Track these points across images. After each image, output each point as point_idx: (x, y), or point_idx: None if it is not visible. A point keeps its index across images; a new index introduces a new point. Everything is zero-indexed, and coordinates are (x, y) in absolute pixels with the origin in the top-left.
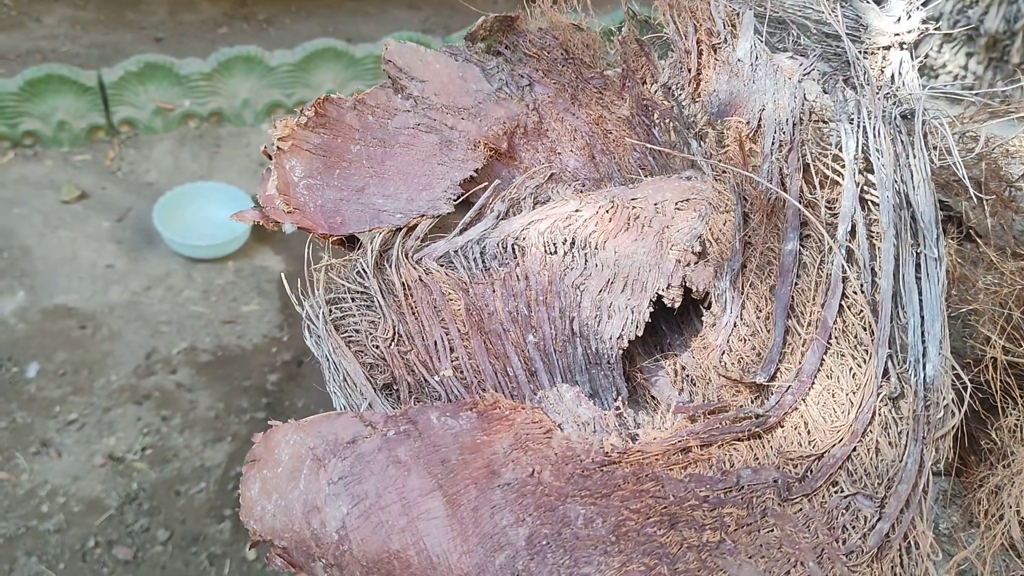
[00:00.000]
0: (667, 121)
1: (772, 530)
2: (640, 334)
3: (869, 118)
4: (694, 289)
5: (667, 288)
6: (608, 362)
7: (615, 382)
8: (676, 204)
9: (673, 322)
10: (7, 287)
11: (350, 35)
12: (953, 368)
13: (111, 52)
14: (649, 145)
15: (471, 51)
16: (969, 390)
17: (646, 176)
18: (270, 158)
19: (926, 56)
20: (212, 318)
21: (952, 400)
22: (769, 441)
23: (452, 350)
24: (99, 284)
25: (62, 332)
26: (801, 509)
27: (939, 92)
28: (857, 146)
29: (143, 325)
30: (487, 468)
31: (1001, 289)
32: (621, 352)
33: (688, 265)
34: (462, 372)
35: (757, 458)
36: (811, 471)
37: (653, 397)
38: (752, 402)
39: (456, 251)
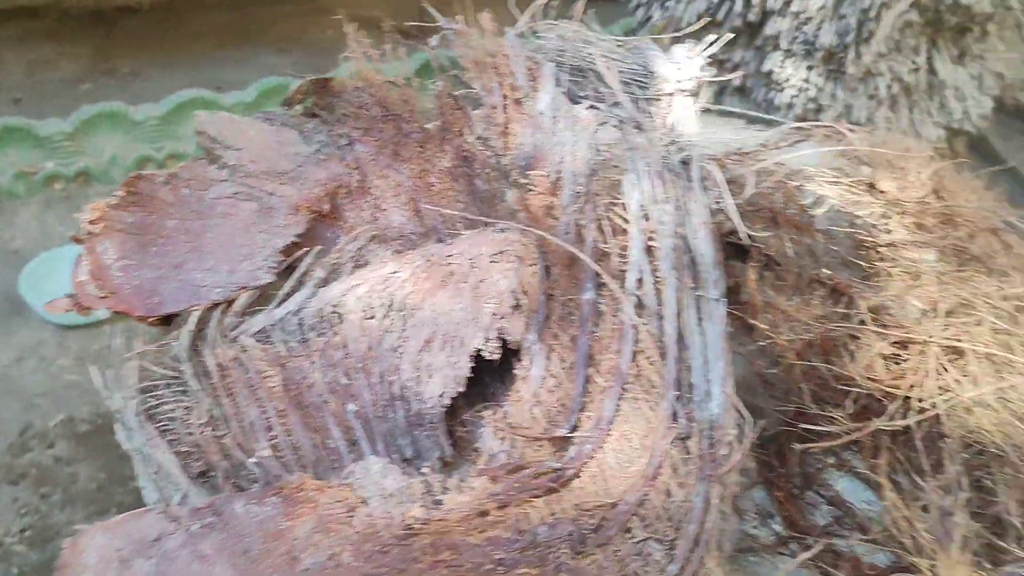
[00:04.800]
0: (487, 171)
1: None
2: (462, 390)
3: (647, 167)
4: (511, 340)
5: (486, 342)
6: (431, 422)
7: (439, 441)
8: (491, 257)
9: (496, 371)
10: None
11: (220, 83)
12: (742, 407)
13: None
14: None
15: (288, 115)
16: (754, 424)
17: (468, 226)
18: (81, 243)
19: (770, 72)
20: (89, 386)
21: (735, 436)
22: (567, 494)
23: (270, 429)
24: None
25: None
26: (595, 560)
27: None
28: (641, 195)
29: (15, 399)
30: (288, 555)
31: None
32: (444, 410)
33: (503, 318)
34: (280, 451)
35: (554, 513)
36: (606, 520)
37: (476, 449)
38: (553, 455)
39: (274, 324)
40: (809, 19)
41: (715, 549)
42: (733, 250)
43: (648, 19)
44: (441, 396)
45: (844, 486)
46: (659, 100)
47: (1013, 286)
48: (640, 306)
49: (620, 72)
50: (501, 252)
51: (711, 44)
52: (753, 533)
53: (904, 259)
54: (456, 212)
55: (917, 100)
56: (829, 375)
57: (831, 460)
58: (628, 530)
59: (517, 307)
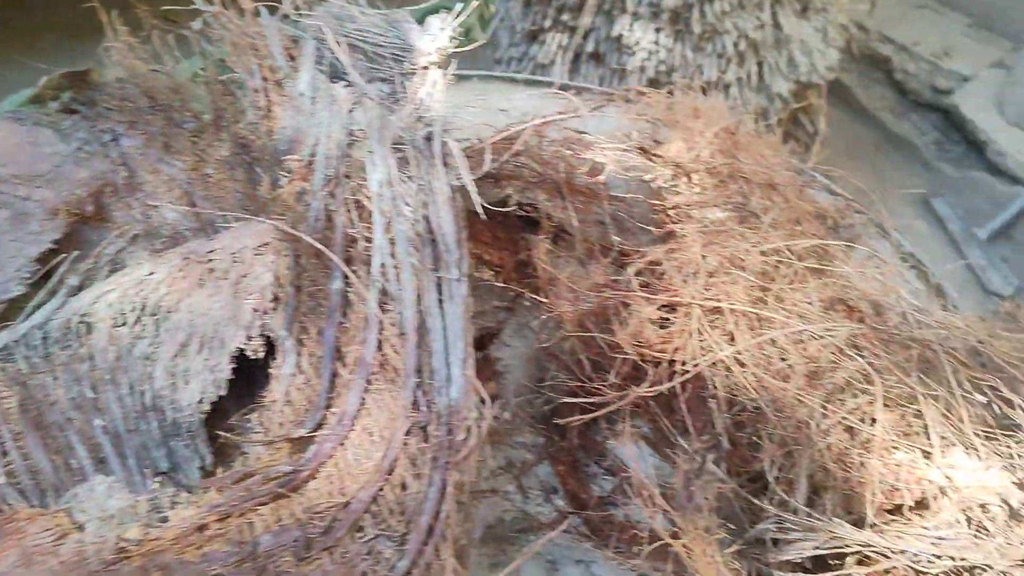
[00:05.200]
0: (266, 157)
1: None
2: (223, 393)
3: (386, 146)
4: (274, 337)
5: (248, 340)
6: (189, 431)
7: (198, 450)
8: (255, 250)
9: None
10: None
11: None
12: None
13: None
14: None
15: (41, 113)
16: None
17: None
18: None
19: (620, 36)
20: None
21: (475, 419)
22: (298, 498)
23: (5, 454)
24: None
25: None
26: (320, 564)
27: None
28: (381, 176)
29: None
30: None
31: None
32: (203, 417)
33: (266, 313)
34: (16, 476)
35: (281, 519)
36: (336, 521)
37: (245, 455)
38: (292, 458)
39: (17, 340)
40: None
41: (451, 539)
42: (526, 222)
43: None
44: (200, 402)
45: (631, 453)
46: (414, 74)
47: (771, 241)
48: (385, 292)
49: (381, 47)
50: (266, 244)
51: (459, 14)
52: (534, 511)
53: (692, 220)
54: (192, 208)
55: (765, 56)
56: (605, 344)
57: (620, 428)
58: (360, 529)
59: (277, 301)
